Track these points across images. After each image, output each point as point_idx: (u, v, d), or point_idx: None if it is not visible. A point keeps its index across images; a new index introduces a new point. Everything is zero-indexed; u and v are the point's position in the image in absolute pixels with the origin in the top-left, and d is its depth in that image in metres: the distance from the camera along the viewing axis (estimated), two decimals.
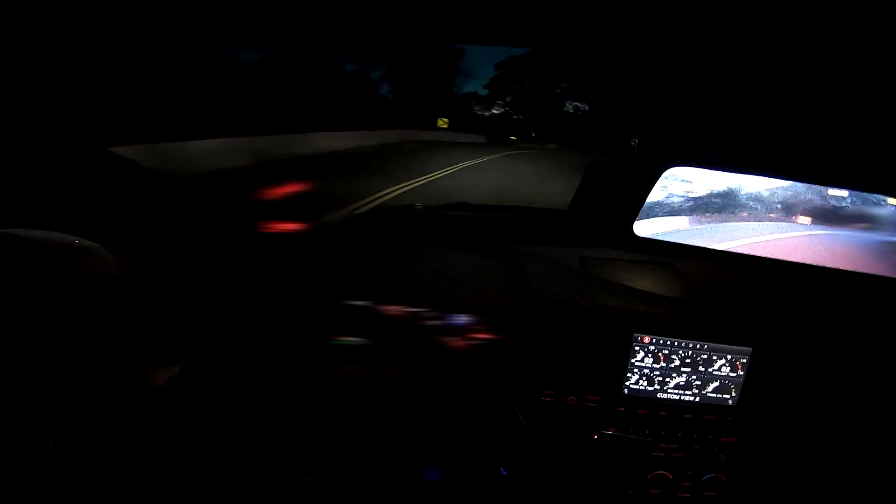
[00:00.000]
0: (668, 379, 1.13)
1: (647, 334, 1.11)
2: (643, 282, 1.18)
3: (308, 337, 1.14)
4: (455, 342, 1.13)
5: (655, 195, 1.08)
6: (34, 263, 1.08)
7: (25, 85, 0.89)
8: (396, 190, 7.56)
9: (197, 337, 1.09)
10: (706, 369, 1.12)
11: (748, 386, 1.12)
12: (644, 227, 1.10)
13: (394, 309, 1.13)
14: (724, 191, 1.09)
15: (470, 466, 1.08)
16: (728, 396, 1.13)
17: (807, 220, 1.05)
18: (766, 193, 1.07)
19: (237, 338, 1.12)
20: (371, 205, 6.20)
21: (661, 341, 1.11)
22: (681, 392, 1.13)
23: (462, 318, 1.13)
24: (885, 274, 1.02)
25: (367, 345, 1.13)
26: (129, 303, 1.05)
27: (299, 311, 1.14)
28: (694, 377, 1.13)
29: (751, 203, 1.08)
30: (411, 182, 8.44)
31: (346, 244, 1.26)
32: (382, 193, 7.08)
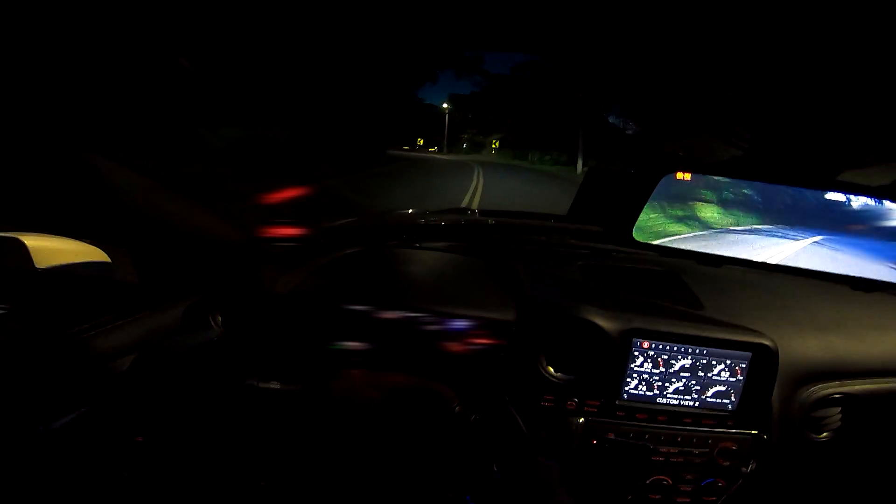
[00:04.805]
0: (667, 384, 1.13)
1: (647, 339, 1.11)
2: (642, 287, 1.18)
3: (307, 342, 1.14)
4: (454, 347, 1.13)
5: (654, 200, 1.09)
6: (32, 266, 1.08)
7: (18, 86, 0.89)
8: None
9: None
10: (706, 374, 1.12)
11: (747, 391, 1.12)
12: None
13: (393, 314, 1.13)
14: (724, 196, 1.09)
15: (468, 467, 1.08)
16: (728, 401, 1.13)
17: (809, 224, 1.05)
18: (767, 198, 1.07)
19: (236, 343, 1.12)
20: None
21: (661, 346, 1.11)
22: (680, 397, 1.13)
23: (461, 323, 1.13)
24: (889, 279, 1.02)
25: (366, 349, 1.13)
26: (129, 307, 1.05)
27: (299, 315, 1.14)
28: (693, 382, 1.13)
29: (751, 207, 1.09)
30: None
31: (346, 249, 1.26)
32: None
